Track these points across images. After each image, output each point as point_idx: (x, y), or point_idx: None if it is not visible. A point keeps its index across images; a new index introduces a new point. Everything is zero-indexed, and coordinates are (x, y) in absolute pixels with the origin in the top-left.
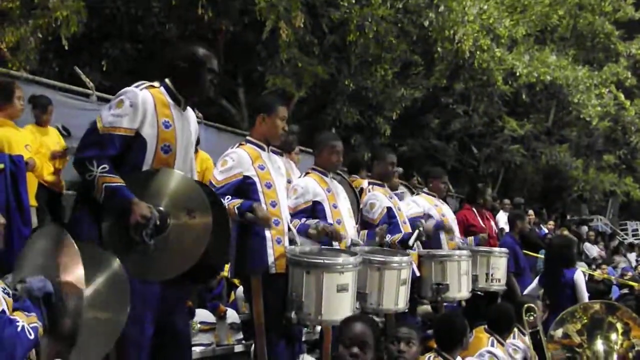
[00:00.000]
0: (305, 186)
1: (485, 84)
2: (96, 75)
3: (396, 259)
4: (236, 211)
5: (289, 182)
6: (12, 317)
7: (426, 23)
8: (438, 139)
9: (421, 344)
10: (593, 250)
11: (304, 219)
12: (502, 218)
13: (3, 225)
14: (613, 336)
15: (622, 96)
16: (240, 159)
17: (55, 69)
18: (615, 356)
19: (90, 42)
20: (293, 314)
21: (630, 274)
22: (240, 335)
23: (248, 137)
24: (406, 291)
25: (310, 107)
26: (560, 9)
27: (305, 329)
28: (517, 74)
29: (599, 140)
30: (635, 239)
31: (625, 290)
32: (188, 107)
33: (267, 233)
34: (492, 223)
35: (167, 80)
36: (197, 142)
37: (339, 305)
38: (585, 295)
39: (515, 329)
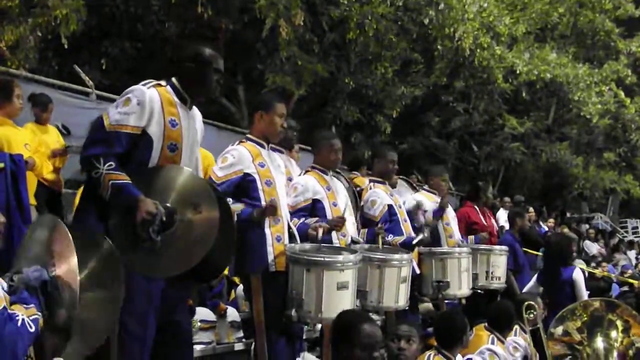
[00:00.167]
0: (305, 184)
1: (486, 81)
2: (96, 74)
3: (396, 256)
4: (235, 217)
5: (289, 179)
6: (11, 312)
7: (426, 21)
8: (438, 137)
9: (421, 341)
10: (593, 247)
11: (303, 218)
12: (502, 216)
13: (3, 224)
14: (613, 334)
15: (622, 94)
16: (241, 156)
17: (54, 67)
18: (615, 353)
19: (90, 40)
20: (293, 312)
21: (630, 271)
22: (241, 334)
23: (248, 135)
24: (406, 289)
25: (310, 105)
26: (561, 7)
27: (306, 327)
28: (518, 71)
29: (599, 138)
30: (636, 237)
31: (625, 288)
32: (194, 106)
33: (267, 231)
34: (493, 221)
35: (173, 79)
36: None
37: (339, 303)
38: (584, 293)
39: (517, 327)
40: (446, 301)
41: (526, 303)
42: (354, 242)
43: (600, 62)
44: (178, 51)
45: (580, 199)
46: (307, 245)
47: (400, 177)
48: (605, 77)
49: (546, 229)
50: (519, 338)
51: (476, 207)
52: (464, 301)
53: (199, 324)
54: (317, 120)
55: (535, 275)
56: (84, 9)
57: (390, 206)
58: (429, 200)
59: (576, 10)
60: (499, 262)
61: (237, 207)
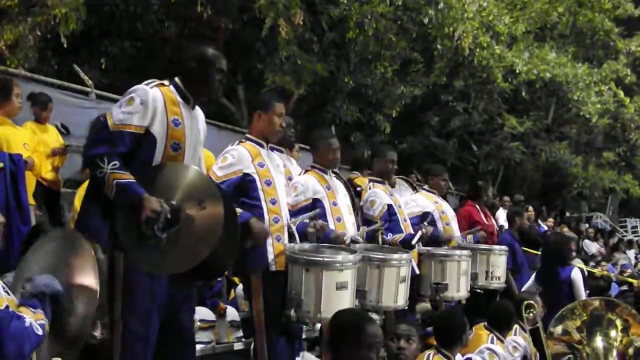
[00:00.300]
0: (305, 184)
1: (485, 81)
2: (95, 73)
3: (396, 256)
4: None
5: (289, 179)
6: (19, 313)
7: (426, 20)
8: (438, 136)
9: (420, 341)
10: (592, 247)
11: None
12: (502, 215)
13: (3, 225)
14: (612, 333)
15: (621, 93)
16: (240, 156)
17: (54, 66)
18: (614, 353)
19: (89, 39)
20: (292, 312)
21: (629, 270)
22: (240, 333)
23: (247, 135)
24: (405, 289)
25: (310, 104)
26: (560, 6)
27: (305, 326)
28: (517, 71)
29: (599, 138)
30: (635, 236)
31: (625, 287)
32: (197, 106)
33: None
34: (492, 220)
35: (176, 79)
36: None
37: (338, 303)
38: (582, 293)
39: (517, 326)
40: (444, 303)
41: (526, 302)
42: (353, 241)
43: (600, 62)
44: (181, 51)
45: (580, 199)
46: (307, 245)
47: (400, 177)
48: (605, 77)
49: (545, 228)
50: (518, 337)
51: (477, 206)
52: (463, 301)
53: (198, 323)
54: (317, 119)
55: (534, 275)
56: (84, 8)
57: (389, 206)
58: (428, 201)
59: (575, 10)
60: (499, 262)
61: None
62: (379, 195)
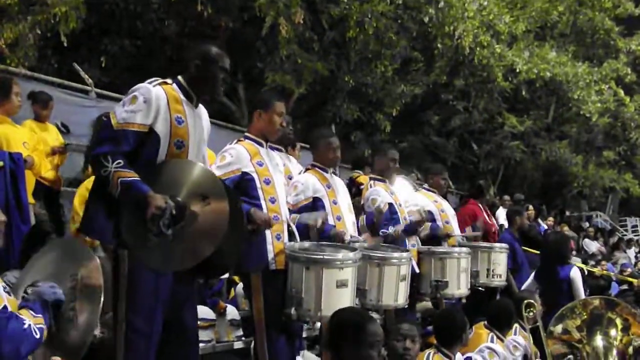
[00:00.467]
0: (305, 182)
1: (485, 80)
2: (95, 72)
3: (396, 255)
4: None
5: (289, 178)
6: (18, 314)
7: (426, 19)
8: (438, 135)
9: (421, 340)
10: (592, 246)
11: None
12: (502, 214)
13: (4, 223)
14: (612, 332)
15: (621, 92)
16: (238, 154)
17: (54, 65)
18: (614, 352)
19: (89, 38)
20: (292, 310)
21: (629, 270)
22: (240, 332)
23: (246, 134)
24: (406, 287)
25: (310, 103)
26: (560, 5)
27: (305, 325)
28: (517, 70)
29: (599, 137)
30: (635, 235)
31: (625, 287)
32: (200, 105)
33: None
34: (493, 219)
35: (179, 77)
36: None
37: (339, 301)
38: (581, 292)
39: (517, 325)
40: (445, 300)
41: (526, 301)
42: (353, 240)
43: (600, 61)
44: (185, 49)
45: (580, 198)
46: (307, 244)
47: (399, 176)
48: (605, 76)
49: (545, 227)
50: (519, 337)
51: (480, 205)
52: (464, 299)
53: (198, 322)
54: (317, 118)
55: (533, 274)
56: (83, 6)
57: (390, 205)
58: (428, 200)
59: (576, 9)
60: (500, 259)
61: None
62: (380, 193)
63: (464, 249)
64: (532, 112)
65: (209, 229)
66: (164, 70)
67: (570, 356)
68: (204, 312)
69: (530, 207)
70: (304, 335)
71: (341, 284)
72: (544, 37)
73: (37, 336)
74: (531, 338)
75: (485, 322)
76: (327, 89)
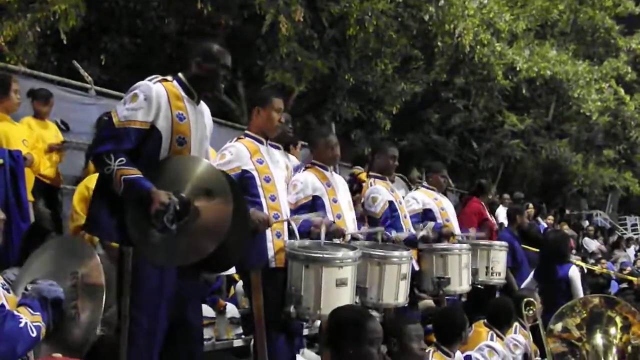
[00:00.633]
0: (305, 181)
1: (486, 78)
2: (95, 70)
3: (396, 253)
4: None
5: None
6: (15, 312)
7: (426, 17)
8: (438, 133)
9: None
10: (592, 244)
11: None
12: (502, 213)
13: (3, 221)
14: (612, 330)
15: (622, 91)
16: (238, 152)
17: (53, 63)
18: (614, 350)
19: (89, 36)
20: (292, 309)
21: (629, 268)
22: (240, 330)
23: (246, 131)
24: (406, 286)
25: (310, 101)
26: (561, 4)
27: (305, 323)
28: (517, 68)
29: (599, 135)
30: (635, 234)
31: (624, 285)
32: (202, 102)
33: None
34: (493, 218)
35: (180, 74)
36: None
37: (338, 300)
38: (580, 292)
39: (517, 323)
40: (447, 297)
41: (525, 300)
42: (354, 238)
43: (600, 59)
44: (186, 47)
45: (580, 196)
46: (307, 242)
47: (398, 174)
48: (605, 74)
49: (545, 225)
50: (519, 335)
51: (482, 203)
52: (464, 297)
53: None
54: (317, 117)
55: (532, 272)
56: (83, 4)
57: (391, 202)
58: (428, 198)
59: (576, 7)
60: (499, 257)
61: None
62: (380, 191)
63: (465, 245)
64: (532, 110)
65: (213, 224)
66: (164, 68)
67: (569, 353)
68: (204, 310)
69: (530, 205)
70: (304, 333)
71: (341, 283)
72: (544, 36)
73: (34, 335)
74: (531, 336)
75: (485, 321)
76: (327, 87)
